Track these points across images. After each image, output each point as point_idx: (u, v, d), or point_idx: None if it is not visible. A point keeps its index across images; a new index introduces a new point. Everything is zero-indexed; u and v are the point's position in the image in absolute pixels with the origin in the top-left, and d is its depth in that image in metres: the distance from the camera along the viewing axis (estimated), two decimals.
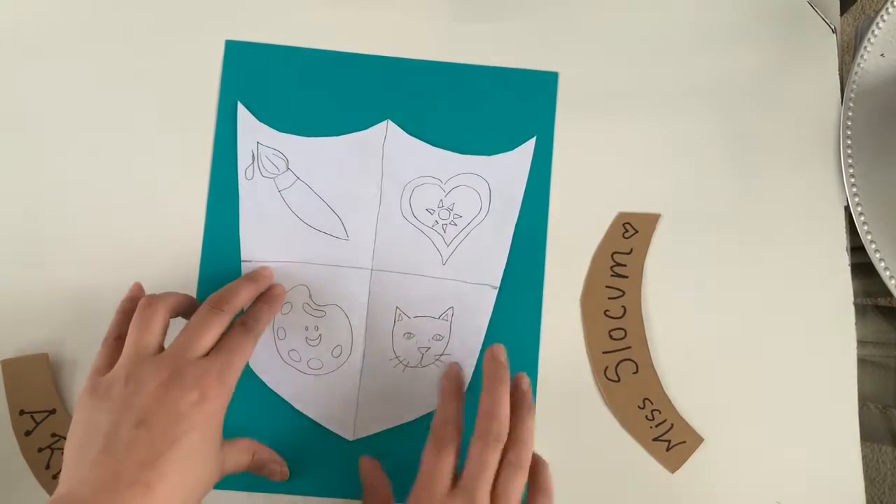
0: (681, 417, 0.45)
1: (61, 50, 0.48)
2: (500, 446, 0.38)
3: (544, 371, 0.46)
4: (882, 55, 0.48)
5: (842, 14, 0.51)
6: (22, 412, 0.44)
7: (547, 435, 0.44)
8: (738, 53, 0.49)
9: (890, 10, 0.48)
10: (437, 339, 0.46)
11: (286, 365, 0.45)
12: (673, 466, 0.45)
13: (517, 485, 0.37)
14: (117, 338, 0.39)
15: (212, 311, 0.39)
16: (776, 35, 0.49)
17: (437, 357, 0.46)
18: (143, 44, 0.48)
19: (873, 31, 0.48)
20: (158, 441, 0.33)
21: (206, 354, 0.37)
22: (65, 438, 0.36)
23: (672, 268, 0.47)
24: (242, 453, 0.40)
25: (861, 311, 0.48)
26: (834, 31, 0.49)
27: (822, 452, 0.45)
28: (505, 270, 0.46)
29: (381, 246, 0.47)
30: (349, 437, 0.45)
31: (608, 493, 0.45)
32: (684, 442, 0.45)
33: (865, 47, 0.48)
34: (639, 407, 0.45)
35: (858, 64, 0.48)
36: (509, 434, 0.38)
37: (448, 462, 0.38)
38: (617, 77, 0.49)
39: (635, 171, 0.48)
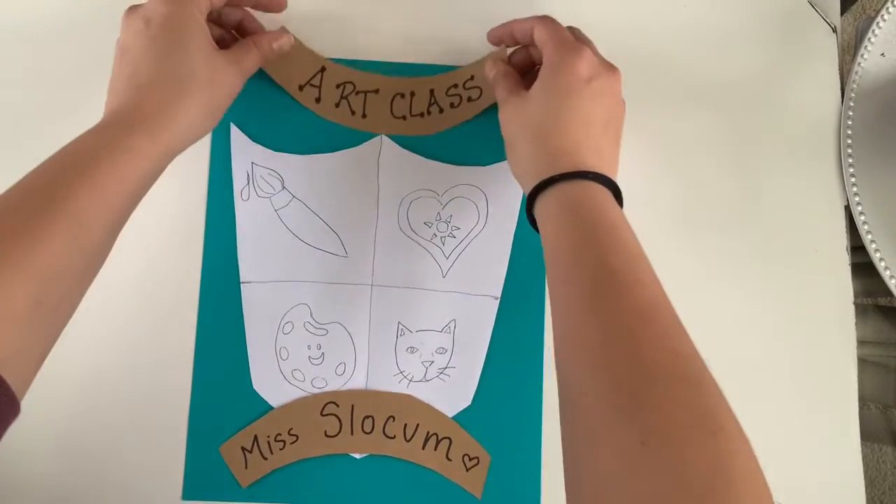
0: None
1: (48, 76, 0.48)
2: None
3: (549, 379, 0.45)
4: (882, 55, 0.48)
5: (842, 14, 0.51)
6: None
7: (556, 438, 0.43)
8: (738, 53, 0.49)
9: (890, 9, 0.48)
10: (440, 353, 0.46)
11: (290, 385, 0.45)
12: None
13: None
14: None
15: None
16: (776, 35, 0.49)
17: (440, 370, 0.46)
18: None
19: (874, 31, 0.48)
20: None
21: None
22: None
23: (672, 268, 0.47)
24: (246, 51, 0.42)
25: (861, 311, 0.48)
26: (834, 31, 0.49)
27: (822, 452, 0.45)
28: (505, 280, 0.46)
29: (381, 261, 0.46)
30: (357, 455, 0.45)
31: None
32: None
33: (866, 47, 0.48)
34: None
35: (859, 64, 0.48)
36: None
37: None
38: None
39: (634, 171, 0.48)
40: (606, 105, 0.39)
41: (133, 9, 0.40)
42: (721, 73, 0.49)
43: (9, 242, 0.31)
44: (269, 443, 0.44)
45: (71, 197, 0.33)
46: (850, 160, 0.47)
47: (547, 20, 0.41)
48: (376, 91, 0.47)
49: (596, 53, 0.41)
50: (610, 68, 0.40)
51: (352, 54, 0.48)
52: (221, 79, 0.40)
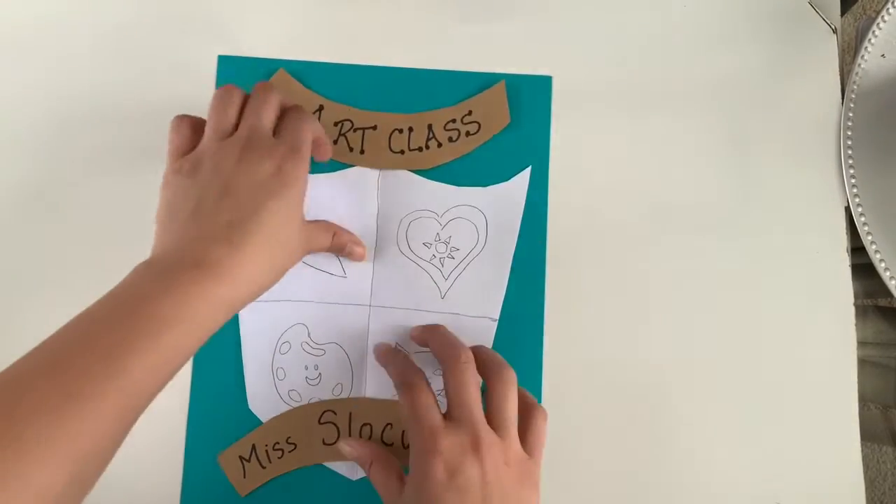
0: None
1: (44, 77, 0.48)
2: (472, 367, 0.40)
3: (546, 402, 0.45)
4: (883, 55, 0.48)
5: (842, 14, 0.50)
6: None
7: (554, 449, 0.43)
8: (738, 53, 0.49)
9: (891, 10, 0.48)
10: (437, 375, 0.45)
11: (286, 406, 0.45)
12: None
13: (512, 399, 0.39)
14: (192, 124, 0.39)
15: (265, 90, 0.40)
16: (776, 35, 0.49)
17: (438, 392, 0.45)
18: (128, 67, 0.48)
19: (874, 32, 0.48)
20: (242, 207, 0.35)
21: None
22: None
23: (671, 268, 0.47)
24: (324, 232, 0.43)
25: (861, 311, 0.48)
26: (834, 31, 0.49)
27: (822, 452, 0.45)
28: (504, 302, 0.46)
29: (379, 282, 0.46)
30: (352, 476, 0.45)
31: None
32: None
33: (866, 47, 0.48)
34: None
35: (859, 64, 0.48)
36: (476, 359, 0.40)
37: (429, 397, 0.39)
38: (615, 78, 0.49)
39: (632, 171, 0.48)
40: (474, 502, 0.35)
41: (248, 138, 0.37)
42: (720, 73, 0.49)
43: (53, 419, 0.28)
44: (267, 452, 0.44)
45: (126, 371, 0.30)
46: (850, 161, 0.47)
47: (407, 389, 0.39)
48: (374, 127, 0.47)
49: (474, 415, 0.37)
50: (486, 447, 0.36)
51: (346, 58, 0.48)
52: (295, 247, 0.39)
